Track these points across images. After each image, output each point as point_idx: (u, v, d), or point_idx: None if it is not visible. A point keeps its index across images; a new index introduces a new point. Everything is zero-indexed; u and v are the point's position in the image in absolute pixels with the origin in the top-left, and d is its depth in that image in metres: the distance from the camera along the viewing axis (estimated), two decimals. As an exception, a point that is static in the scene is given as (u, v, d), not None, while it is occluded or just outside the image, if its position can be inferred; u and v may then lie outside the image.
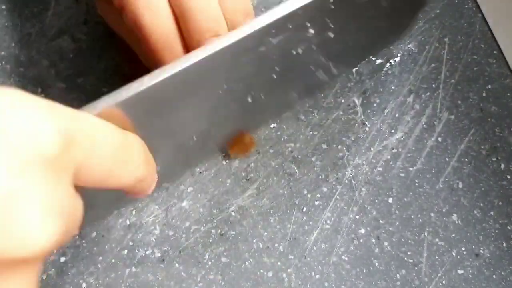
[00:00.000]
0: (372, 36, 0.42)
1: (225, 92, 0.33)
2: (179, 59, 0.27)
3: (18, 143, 0.16)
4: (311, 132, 0.43)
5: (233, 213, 0.40)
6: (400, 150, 0.43)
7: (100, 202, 0.34)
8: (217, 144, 0.41)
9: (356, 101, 0.45)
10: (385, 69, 0.46)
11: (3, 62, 0.42)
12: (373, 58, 0.46)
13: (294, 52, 0.34)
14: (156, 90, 0.27)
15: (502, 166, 0.44)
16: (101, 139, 0.21)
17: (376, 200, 0.42)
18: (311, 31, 0.32)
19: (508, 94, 0.46)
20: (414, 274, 0.40)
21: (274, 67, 0.34)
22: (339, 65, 0.42)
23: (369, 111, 0.44)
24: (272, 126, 0.43)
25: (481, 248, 0.41)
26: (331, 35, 0.34)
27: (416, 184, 0.43)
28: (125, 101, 0.26)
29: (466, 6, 0.48)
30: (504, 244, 0.42)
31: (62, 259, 0.38)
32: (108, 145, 0.21)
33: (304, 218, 0.41)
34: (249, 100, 0.36)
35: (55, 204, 0.17)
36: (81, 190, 0.21)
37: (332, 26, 0.33)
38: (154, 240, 0.39)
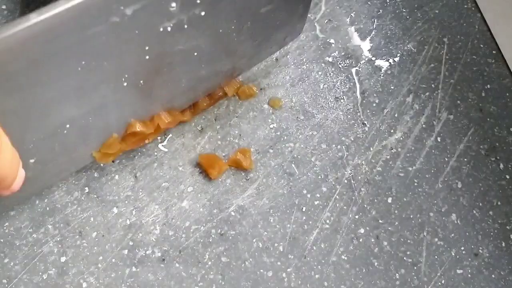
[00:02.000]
0: (256, 21, 0.37)
1: (84, 71, 0.29)
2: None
3: None
4: (310, 132, 0.43)
5: (233, 213, 0.40)
6: (399, 150, 0.43)
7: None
8: (97, 142, 0.36)
9: (356, 101, 0.45)
10: (384, 69, 0.46)
11: (3, 63, 0.42)
12: (373, 58, 0.46)
13: (161, 29, 0.30)
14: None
15: (501, 166, 0.44)
16: None
17: (375, 200, 0.42)
18: (173, 4, 0.29)
19: (507, 94, 0.46)
20: (413, 273, 0.40)
21: (144, 46, 0.30)
22: (226, 56, 0.38)
23: (368, 111, 0.44)
24: (272, 126, 0.43)
25: (480, 248, 0.42)
26: (202, 13, 0.31)
27: (415, 184, 0.43)
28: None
29: (465, 6, 0.48)
30: (503, 244, 0.42)
31: (63, 259, 0.38)
32: None
33: (304, 217, 0.41)
34: (124, 84, 0.32)
35: None
36: None
37: (199, 2, 0.30)
38: (154, 240, 0.39)
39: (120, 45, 0.29)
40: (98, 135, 0.35)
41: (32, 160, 0.32)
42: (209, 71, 0.38)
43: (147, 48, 0.31)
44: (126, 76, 0.32)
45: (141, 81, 0.33)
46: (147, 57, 0.31)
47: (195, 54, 0.35)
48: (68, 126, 0.32)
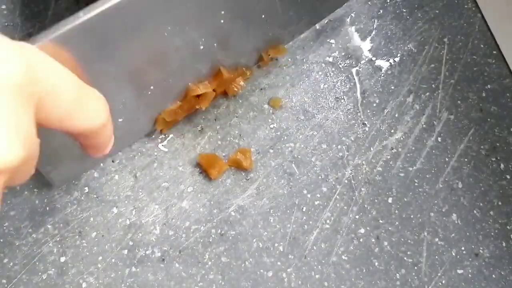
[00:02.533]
0: None
1: (173, 33, 0.32)
2: None
3: None
4: (311, 132, 0.43)
5: (233, 213, 0.40)
6: (399, 150, 0.43)
7: (64, 159, 0.35)
8: (176, 93, 0.40)
9: (356, 101, 0.45)
10: (384, 69, 0.46)
11: (3, 62, 0.42)
12: (373, 59, 0.46)
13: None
14: (95, 23, 0.27)
15: (502, 166, 0.44)
16: (62, 79, 0.22)
17: (375, 200, 0.42)
18: None
19: (508, 94, 0.46)
20: (413, 273, 0.40)
21: (220, 10, 0.34)
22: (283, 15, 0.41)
23: (368, 111, 0.44)
24: (272, 126, 0.43)
25: (481, 248, 0.41)
26: None
27: (416, 184, 0.43)
28: (62, 35, 0.26)
29: (466, 6, 0.48)
30: (504, 244, 0.42)
31: (62, 259, 0.38)
32: (68, 86, 0.22)
33: (304, 218, 0.41)
34: (201, 47, 0.36)
35: (21, 128, 0.19)
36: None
37: None
38: (154, 240, 0.39)
39: (200, 10, 0.32)
40: (176, 96, 0.39)
41: (120, 120, 0.35)
42: (273, 32, 0.42)
43: (222, 12, 0.34)
44: (203, 39, 0.35)
45: (215, 44, 0.36)
46: (222, 21, 0.35)
47: (263, 16, 0.38)
48: (152, 87, 0.36)
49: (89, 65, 0.28)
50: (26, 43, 0.21)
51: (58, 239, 0.38)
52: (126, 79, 0.33)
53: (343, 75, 0.45)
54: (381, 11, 0.48)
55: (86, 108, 0.23)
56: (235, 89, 0.42)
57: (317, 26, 0.46)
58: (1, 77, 0.18)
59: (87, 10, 0.26)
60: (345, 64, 0.46)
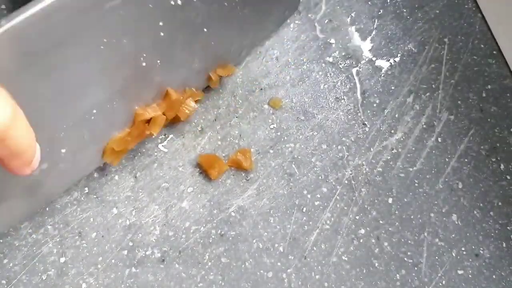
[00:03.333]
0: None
1: (110, 47, 0.29)
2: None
3: None
4: (311, 133, 0.43)
5: (233, 214, 0.40)
6: (400, 150, 0.43)
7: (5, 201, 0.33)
8: (123, 119, 0.37)
9: (356, 101, 0.45)
10: (385, 69, 0.46)
11: (3, 62, 0.42)
12: (373, 59, 0.46)
13: (173, 3, 0.32)
14: (18, 33, 0.24)
15: (502, 166, 0.44)
16: None
17: (376, 201, 0.42)
18: None
19: (508, 95, 0.46)
20: (414, 274, 0.40)
21: (158, 21, 0.32)
22: (232, 31, 0.40)
23: (369, 112, 0.44)
24: (272, 126, 0.43)
25: (481, 248, 0.41)
26: None
27: (416, 184, 0.43)
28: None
29: (466, 7, 0.48)
30: (504, 245, 0.42)
31: (62, 259, 0.38)
32: None
33: (304, 218, 0.41)
34: (143, 63, 0.33)
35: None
36: None
37: None
38: (154, 240, 0.39)
39: (136, 21, 0.30)
40: (123, 123, 0.36)
41: (63, 150, 0.32)
42: (219, 49, 0.39)
43: (161, 23, 0.32)
44: (144, 55, 0.32)
45: (158, 61, 0.34)
46: (162, 33, 0.32)
47: (205, 30, 0.36)
48: (94, 111, 0.32)
49: (14, 83, 0.24)
50: None
51: (58, 239, 0.38)
52: (63, 100, 0.30)
53: (343, 75, 0.45)
54: (381, 11, 0.48)
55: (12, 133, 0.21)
56: (187, 111, 0.39)
57: (318, 26, 0.46)
58: None
59: (11, 17, 0.23)
60: (345, 64, 0.46)
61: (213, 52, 0.39)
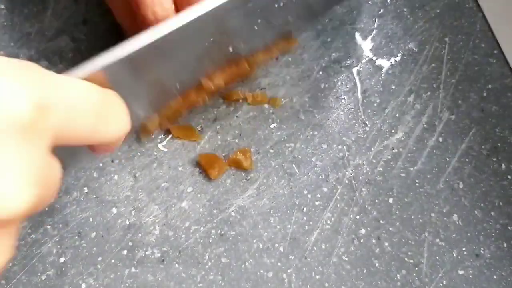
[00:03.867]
0: None
1: (209, 46, 0.33)
2: (164, 22, 0.28)
3: None
4: (311, 132, 0.43)
5: (233, 213, 0.40)
6: (400, 150, 0.43)
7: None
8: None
9: (356, 101, 0.44)
10: (385, 68, 0.46)
11: (2, 62, 0.41)
12: (374, 58, 0.46)
13: (276, 6, 0.35)
14: (140, 54, 0.27)
15: (503, 166, 0.44)
16: (79, 99, 0.21)
17: (376, 200, 0.42)
18: None
19: (509, 94, 0.46)
20: (414, 274, 0.40)
21: (257, 19, 0.35)
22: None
23: (369, 111, 0.44)
24: (272, 126, 0.43)
25: (482, 249, 0.41)
26: None
27: (417, 184, 0.42)
28: (108, 67, 0.26)
29: (467, 6, 0.48)
30: (505, 245, 0.42)
31: (61, 259, 0.38)
32: (88, 104, 0.21)
33: (304, 218, 0.41)
34: (230, 49, 0.36)
35: (31, 171, 0.17)
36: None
37: None
38: (153, 240, 0.39)
39: (242, 22, 0.34)
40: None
41: (142, 113, 0.36)
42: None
43: (259, 21, 0.35)
44: (234, 44, 0.36)
45: (242, 45, 0.37)
46: (256, 27, 0.36)
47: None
48: (178, 86, 0.36)
49: (124, 90, 0.27)
50: (30, 63, 0.20)
51: (57, 239, 0.38)
52: (156, 92, 0.34)
53: (344, 74, 0.45)
54: (381, 10, 0.47)
55: (110, 120, 0.23)
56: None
57: (318, 25, 0.46)
58: (7, 118, 0.17)
59: (135, 42, 0.27)
60: (346, 64, 0.45)
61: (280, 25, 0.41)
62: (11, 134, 0.17)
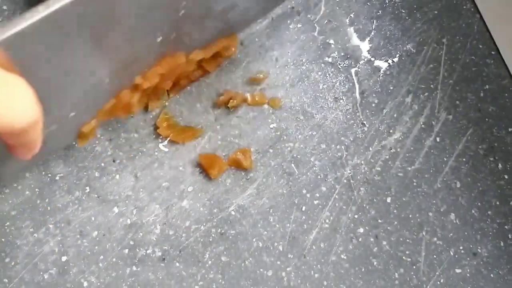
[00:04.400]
0: None
1: (124, 31, 0.30)
2: None
3: None
4: (310, 132, 0.43)
5: (233, 213, 0.41)
6: (398, 150, 0.44)
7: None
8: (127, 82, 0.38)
9: (355, 101, 0.45)
10: (383, 69, 0.46)
11: (5, 63, 0.42)
12: (372, 59, 0.46)
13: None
14: (40, 28, 0.24)
15: (500, 166, 0.44)
16: None
17: (374, 200, 0.42)
18: None
19: (506, 95, 0.46)
20: (412, 273, 0.40)
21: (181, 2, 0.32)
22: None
23: (367, 111, 0.45)
24: (271, 126, 0.43)
25: (479, 247, 0.42)
26: None
27: (414, 183, 0.43)
28: (5, 41, 0.23)
29: (464, 7, 0.49)
30: (502, 243, 0.42)
31: (64, 258, 0.38)
32: None
33: (303, 217, 0.41)
34: (158, 40, 0.34)
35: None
36: None
37: None
38: (154, 239, 0.39)
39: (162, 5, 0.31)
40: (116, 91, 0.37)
41: (72, 114, 0.34)
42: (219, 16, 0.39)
43: (184, 3, 0.33)
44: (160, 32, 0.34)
45: (173, 35, 0.35)
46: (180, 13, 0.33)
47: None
48: (107, 81, 0.34)
49: (34, 71, 0.25)
50: None
51: (59, 238, 0.39)
52: (73, 79, 0.31)
53: (342, 75, 0.45)
54: (380, 11, 0.48)
55: (12, 104, 0.22)
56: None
57: (317, 26, 0.47)
58: None
59: (32, 13, 0.24)
60: (344, 65, 0.46)
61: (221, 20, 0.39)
62: None
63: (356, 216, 0.41)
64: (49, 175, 0.40)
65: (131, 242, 0.39)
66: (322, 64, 0.46)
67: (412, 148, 0.44)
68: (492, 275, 0.41)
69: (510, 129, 0.45)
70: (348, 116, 0.44)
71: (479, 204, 0.43)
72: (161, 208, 0.40)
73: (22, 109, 0.22)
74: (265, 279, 0.39)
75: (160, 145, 0.42)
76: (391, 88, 0.45)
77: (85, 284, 0.38)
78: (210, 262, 0.39)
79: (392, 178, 0.43)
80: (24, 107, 0.22)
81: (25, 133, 0.23)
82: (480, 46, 0.48)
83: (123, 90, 0.37)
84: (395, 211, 0.42)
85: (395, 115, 0.45)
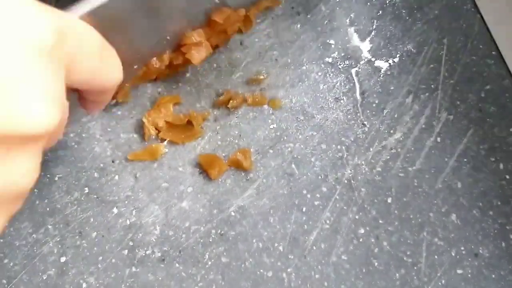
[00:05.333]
0: None
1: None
2: None
3: (17, 35, 0.18)
4: (310, 132, 0.43)
5: (233, 213, 0.40)
6: (399, 150, 0.44)
7: None
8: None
9: (355, 101, 0.45)
10: (384, 69, 0.46)
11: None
12: (372, 59, 0.46)
13: None
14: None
15: (501, 166, 0.44)
16: (87, 37, 0.22)
17: (375, 200, 0.42)
18: None
19: (507, 95, 0.46)
20: (413, 273, 0.40)
21: None
22: None
23: (368, 112, 0.44)
24: (271, 126, 0.43)
25: (480, 248, 0.42)
26: None
27: (415, 184, 0.43)
28: (93, 11, 0.27)
29: (465, 7, 0.49)
30: (503, 244, 0.42)
31: (63, 259, 0.38)
32: (94, 44, 0.23)
33: (304, 218, 0.41)
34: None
35: (54, 91, 0.19)
36: None
37: None
38: (154, 240, 0.39)
39: None
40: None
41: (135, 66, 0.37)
42: None
43: None
44: None
45: None
46: None
47: None
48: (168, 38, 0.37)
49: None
50: (48, 5, 0.21)
51: (58, 239, 0.38)
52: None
53: (343, 75, 0.45)
54: (380, 12, 0.48)
55: (109, 67, 0.24)
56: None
57: (317, 27, 0.47)
58: (33, 41, 0.18)
59: None
60: (345, 65, 0.46)
61: None
62: (37, 57, 0.18)
63: (357, 217, 0.41)
64: (48, 175, 0.40)
65: (131, 243, 0.39)
66: (322, 65, 0.46)
67: (413, 149, 0.44)
68: (493, 276, 0.41)
69: (511, 129, 0.45)
70: (349, 117, 0.44)
71: (480, 204, 0.43)
72: (161, 209, 0.40)
73: (115, 71, 0.25)
74: (265, 280, 0.39)
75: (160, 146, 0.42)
76: (392, 88, 0.45)
77: (84, 285, 0.38)
78: (210, 263, 0.39)
79: (393, 179, 0.43)
80: (116, 69, 0.25)
81: (110, 91, 0.26)
82: (481, 46, 0.48)
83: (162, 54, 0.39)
84: (396, 211, 0.42)
85: (395, 115, 0.44)
